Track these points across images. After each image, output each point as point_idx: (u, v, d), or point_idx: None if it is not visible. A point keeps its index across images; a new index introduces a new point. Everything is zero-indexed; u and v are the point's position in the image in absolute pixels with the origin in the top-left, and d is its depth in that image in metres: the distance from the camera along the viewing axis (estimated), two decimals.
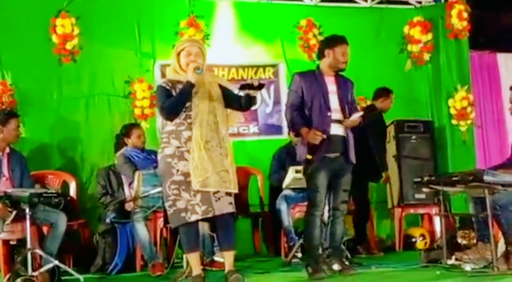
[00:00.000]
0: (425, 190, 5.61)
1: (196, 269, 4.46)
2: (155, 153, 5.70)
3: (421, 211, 7.05)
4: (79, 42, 6.66)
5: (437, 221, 6.60)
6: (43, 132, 6.58)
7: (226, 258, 4.48)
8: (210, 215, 4.32)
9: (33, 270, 4.72)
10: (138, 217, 5.63)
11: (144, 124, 6.68)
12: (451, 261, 5.04)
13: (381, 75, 7.53)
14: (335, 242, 5.00)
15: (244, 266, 5.43)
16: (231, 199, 4.43)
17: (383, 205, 7.26)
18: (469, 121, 7.73)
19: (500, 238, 5.02)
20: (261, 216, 6.78)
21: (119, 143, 6.16)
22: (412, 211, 7.02)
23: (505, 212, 4.84)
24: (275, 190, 6.42)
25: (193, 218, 4.32)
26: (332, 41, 5.01)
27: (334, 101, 4.90)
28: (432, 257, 5.27)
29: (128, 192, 5.90)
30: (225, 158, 4.40)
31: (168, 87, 4.46)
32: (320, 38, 7.16)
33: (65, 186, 6.21)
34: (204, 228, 5.34)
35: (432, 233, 6.87)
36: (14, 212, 4.85)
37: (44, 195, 4.86)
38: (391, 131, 7.16)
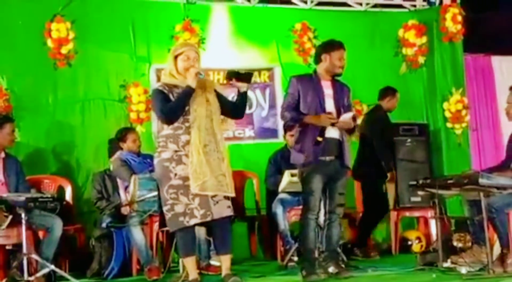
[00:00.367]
0: (420, 193, 5.62)
1: (193, 273, 4.47)
2: (151, 157, 5.70)
3: (416, 214, 7.06)
4: (74, 46, 6.65)
5: (432, 224, 6.61)
6: (38, 137, 6.56)
7: (223, 262, 4.49)
8: (208, 219, 4.33)
9: (29, 275, 4.72)
10: (134, 221, 5.62)
11: (139, 129, 6.67)
12: (447, 264, 5.06)
13: (376, 79, 7.55)
14: (331, 245, 5.02)
15: (240, 269, 5.43)
16: (229, 203, 4.44)
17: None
18: (464, 124, 7.74)
19: (496, 240, 5.04)
20: (257, 220, 6.78)
21: (113, 147, 6.15)
22: (408, 214, 7.02)
23: (501, 214, 4.86)
24: (271, 193, 6.43)
25: (192, 222, 4.32)
26: (329, 46, 5.04)
27: (330, 104, 4.93)
28: (428, 260, 5.28)
29: (123, 196, 5.89)
30: (222, 161, 4.42)
31: (165, 91, 4.47)
32: (315, 41, 7.20)
33: (61, 190, 6.19)
34: (200, 232, 5.34)
35: (428, 236, 6.88)
36: (10, 217, 4.85)
37: (40, 199, 4.86)
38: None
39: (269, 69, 7.45)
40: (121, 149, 6.04)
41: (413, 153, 7.05)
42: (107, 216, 5.82)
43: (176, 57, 4.52)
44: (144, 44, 7.01)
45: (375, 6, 7.88)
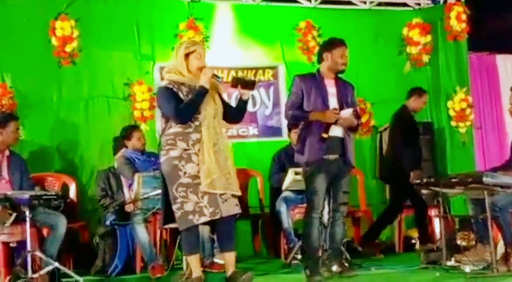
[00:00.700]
0: (424, 191, 5.62)
1: (196, 271, 4.47)
2: (155, 155, 5.72)
3: None
4: (79, 44, 6.67)
5: (436, 222, 6.60)
6: (42, 135, 6.58)
7: (227, 259, 4.49)
8: (217, 217, 4.34)
9: (33, 272, 4.73)
10: (138, 219, 5.63)
11: (143, 127, 6.68)
12: (451, 263, 5.05)
13: (380, 77, 7.55)
14: (335, 243, 5.02)
15: (244, 267, 5.42)
16: (237, 201, 4.47)
17: (382, 206, 7.25)
18: (468, 123, 7.74)
19: (500, 239, 5.03)
20: (261, 218, 6.79)
21: (118, 145, 6.16)
22: (411, 212, 7.01)
23: (504, 213, 4.86)
24: (275, 191, 6.43)
25: (202, 220, 4.33)
26: (330, 44, 5.06)
27: (333, 103, 4.94)
28: (431, 258, 5.28)
29: (127, 194, 5.90)
30: (227, 160, 4.43)
31: (174, 89, 4.44)
32: (319, 40, 7.19)
33: (65, 188, 6.21)
34: (203, 230, 5.35)
35: (432, 234, 6.86)
36: (14, 215, 4.85)
37: (44, 197, 4.86)
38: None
39: (273, 68, 7.45)
40: (126, 146, 6.05)
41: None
42: (111, 214, 5.84)
43: (187, 55, 4.49)
44: (148, 43, 7.02)
45: (379, 4, 7.87)
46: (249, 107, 7.18)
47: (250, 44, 7.39)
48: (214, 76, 4.47)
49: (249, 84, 4.58)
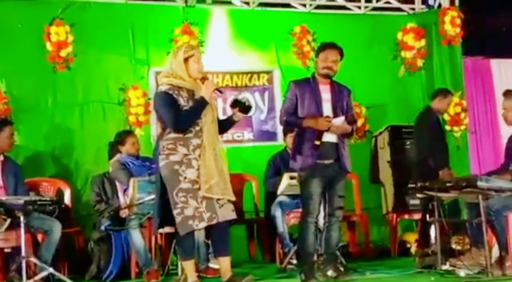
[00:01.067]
0: (419, 195, 5.62)
1: (192, 276, 4.48)
2: (150, 159, 5.72)
3: (415, 216, 7.06)
4: (73, 49, 6.66)
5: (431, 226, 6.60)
6: (37, 140, 6.57)
7: (223, 264, 4.49)
8: (214, 222, 4.34)
9: (28, 278, 4.72)
10: (133, 224, 5.62)
11: (138, 131, 6.67)
12: (446, 267, 5.05)
13: (374, 82, 7.57)
14: (330, 248, 5.02)
15: (239, 272, 5.42)
16: (233, 206, 4.48)
17: (377, 210, 7.26)
18: (462, 127, 7.75)
19: (494, 243, 5.04)
20: (256, 222, 6.78)
21: (113, 150, 6.15)
22: (406, 216, 7.03)
23: (499, 217, 4.87)
24: (270, 196, 6.43)
25: (201, 225, 4.34)
26: (318, 49, 5.14)
27: (327, 109, 4.93)
28: (426, 263, 5.28)
29: (122, 199, 5.89)
30: (224, 166, 4.45)
31: (174, 95, 4.43)
32: (314, 45, 7.21)
33: (59, 193, 6.19)
34: (198, 235, 5.34)
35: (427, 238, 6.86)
36: (9, 220, 4.85)
37: (39, 202, 4.86)
38: (385, 137, 7.19)
39: (268, 72, 7.46)
40: (120, 152, 6.04)
41: (412, 155, 7.05)
42: (106, 219, 5.82)
43: (186, 59, 4.48)
44: (143, 47, 7.02)
45: (374, 9, 7.89)
46: None
47: (245, 49, 7.40)
48: (217, 90, 4.50)
49: (246, 109, 4.69)
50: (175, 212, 4.34)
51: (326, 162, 4.90)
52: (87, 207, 6.36)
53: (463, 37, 7.81)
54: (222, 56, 7.27)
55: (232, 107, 4.69)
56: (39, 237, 5.18)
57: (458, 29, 7.74)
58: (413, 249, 6.71)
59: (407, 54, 7.77)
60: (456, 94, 7.70)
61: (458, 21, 7.73)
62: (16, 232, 4.85)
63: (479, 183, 4.68)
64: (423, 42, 7.76)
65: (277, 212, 6.16)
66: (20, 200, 4.77)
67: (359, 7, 7.86)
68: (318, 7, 7.74)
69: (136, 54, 6.99)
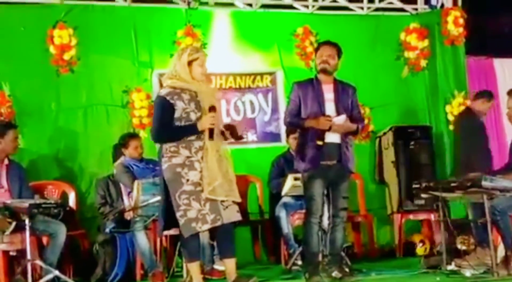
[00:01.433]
0: (424, 195, 5.62)
1: (197, 278, 4.47)
2: (153, 162, 5.73)
3: (420, 216, 7.05)
4: (77, 52, 6.67)
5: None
6: (41, 143, 6.57)
7: (228, 265, 4.48)
8: (218, 224, 4.33)
9: (33, 281, 4.74)
10: (138, 226, 5.63)
11: (142, 134, 6.66)
12: (451, 267, 5.05)
13: (378, 82, 7.56)
14: (335, 249, 5.02)
15: (244, 274, 5.42)
16: (238, 208, 4.47)
17: (382, 211, 7.26)
18: None
19: (499, 243, 5.04)
20: (261, 224, 6.78)
21: (117, 153, 6.16)
22: (411, 217, 7.02)
23: (504, 217, 4.87)
24: (274, 197, 6.43)
25: (204, 227, 4.34)
26: (315, 51, 5.18)
27: (330, 109, 4.93)
28: (432, 263, 5.28)
29: (127, 202, 5.90)
30: (229, 167, 4.44)
31: (172, 101, 4.40)
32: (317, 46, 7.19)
33: (64, 196, 6.20)
34: (203, 237, 5.34)
35: (431, 239, 6.86)
36: (14, 223, 4.86)
37: (44, 205, 4.87)
38: (389, 137, 7.18)
39: (271, 74, 7.46)
40: (124, 155, 6.05)
41: (416, 155, 7.06)
42: (110, 221, 5.83)
43: (190, 62, 4.47)
44: (146, 50, 7.02)
45: (376, 10, 7.88)
46: (248, 113, 7.26)
47: (248, 51, 7.40)
48: (212, 131, 4.36)
49: (236, 137, 4.61)
50: (178, 214, 4.34)
51: (329, 162, 4.90)
52: (92, 209, 6.37)
53: (466, 37, 7.79)
54: (225, 58, 7.27)
55: (225, 128, 4.56)
56: (44, 240, 5.19)
57: (461, 29, 7.73)
58: (418, 249, 6.70)
59: (410, 55, 7.76)
60: (460, 94, 7.70)
61: (461, 21, 7.72)
62: (21, 235, 4.86)
63: (483, 183, 4.67)
64: (426, 43, 7.75)
65: (282, 213, 6.17)
66: (25, 203, 4.78)
67: (362, 8, 7.85)
68: (321, 8, 7.72)
69: (139, 57, 6.99)
